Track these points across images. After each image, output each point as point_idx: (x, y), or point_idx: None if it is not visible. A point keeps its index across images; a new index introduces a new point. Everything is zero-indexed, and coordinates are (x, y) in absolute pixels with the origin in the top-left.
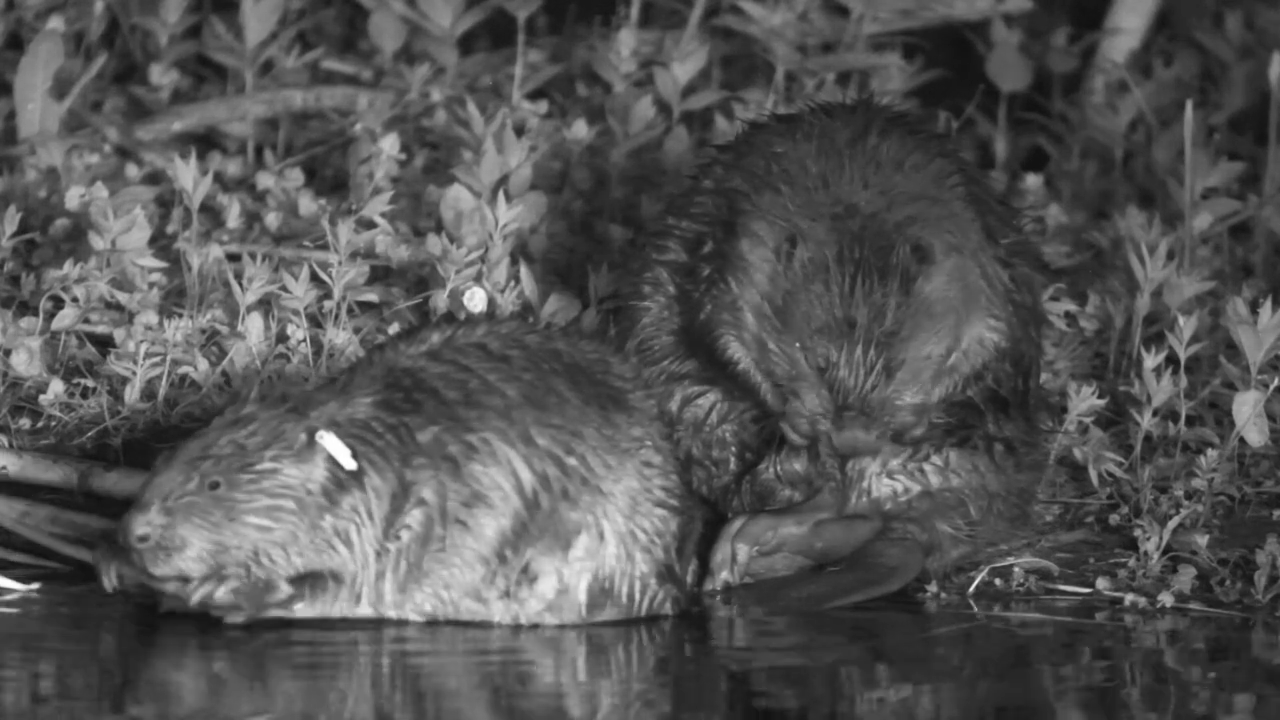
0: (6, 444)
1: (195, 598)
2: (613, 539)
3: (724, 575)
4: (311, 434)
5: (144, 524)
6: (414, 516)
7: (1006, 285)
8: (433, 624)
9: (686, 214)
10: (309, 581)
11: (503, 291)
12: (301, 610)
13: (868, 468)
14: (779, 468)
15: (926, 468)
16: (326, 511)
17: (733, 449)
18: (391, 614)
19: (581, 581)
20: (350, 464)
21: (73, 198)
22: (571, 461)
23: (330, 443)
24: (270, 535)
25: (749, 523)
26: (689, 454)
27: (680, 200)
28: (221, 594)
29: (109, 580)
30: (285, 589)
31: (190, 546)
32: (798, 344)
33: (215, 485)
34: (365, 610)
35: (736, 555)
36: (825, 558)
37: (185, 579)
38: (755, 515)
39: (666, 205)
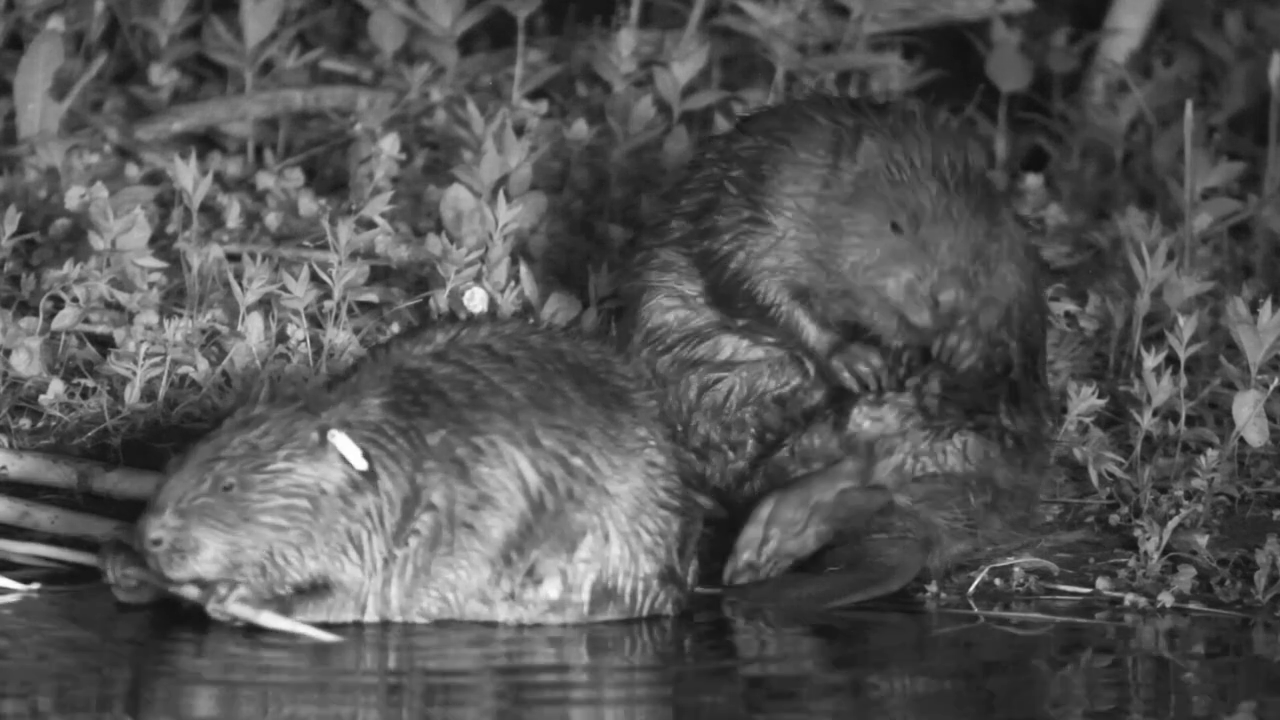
0: (6, 444)
1: (211, 607)
2: (617, 540)
3: (746, 556)
4: (323, 433)
5: (158, 527)
6: (423, 521)
7: (1025, 241)
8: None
9: (684, 193)
10: (314, 590)
11: (503, 291)
12: (307, 616)
13: (896, 445)
14: (797, 445)
15: (948, 448)
16: (341, 514)
17: (753, 430)
18: (397, 618)
19: (585, 582)
20: (361, 464)
21: (73, 198)
22: (577, 462)
23: (341, 443)
24: (285, 535)
25: (780, 506)
26: (706, 439)
27: (674, 190)
28: (234, 603)
29: (114, 576)
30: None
31: (205, 549)
32: (863, 249)
33: (229, 487)
34: (370, 617)
35: (769, 539)
36: (847, 525)
37: (201, 582)
38: (784, 495)
39: (661, 197)
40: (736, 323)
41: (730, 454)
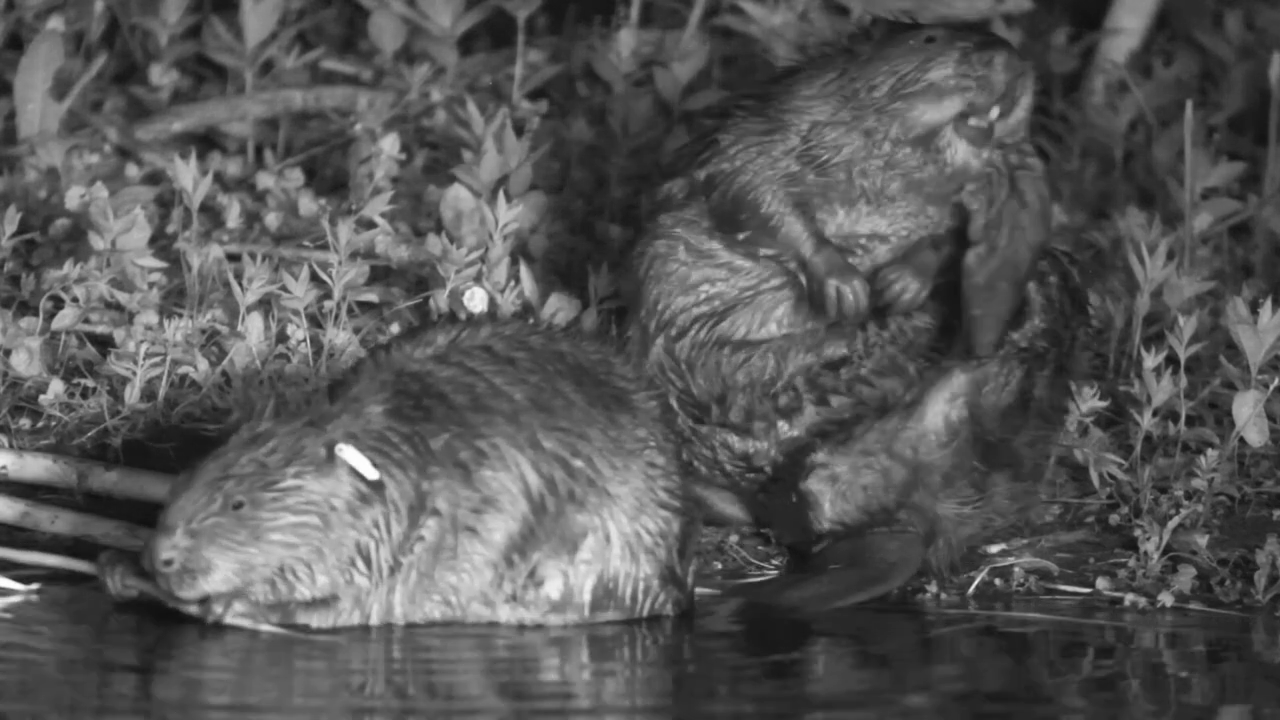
0: (6, 444)
1: (210, 620)
2: (618, 540)
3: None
4: (331, 448)
5: (169, 548)
6: (428, 527)
7: None
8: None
9: (679, 158)
10: (322, 602)
11: (503, 291)
12: (309, 624)
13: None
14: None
15: (1017, 373)
16: (350, 527)
17: (809, 397)
18: (400, 622)
19: (586, 583)
20: (372, 474)
21: (73, 198)
22: (578, 464)
23: (350, 455)
24: (296, 552)
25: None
26: (749, 411)
27: (670, 163)
28: (232, 618)
29: (114, 587)
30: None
31: (216, 569)
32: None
33: (239, 505)
34: (373, 622)
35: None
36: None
37: (210, 599)
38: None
39: (658, 174)
40: (738, 237)
41: (783, 424)
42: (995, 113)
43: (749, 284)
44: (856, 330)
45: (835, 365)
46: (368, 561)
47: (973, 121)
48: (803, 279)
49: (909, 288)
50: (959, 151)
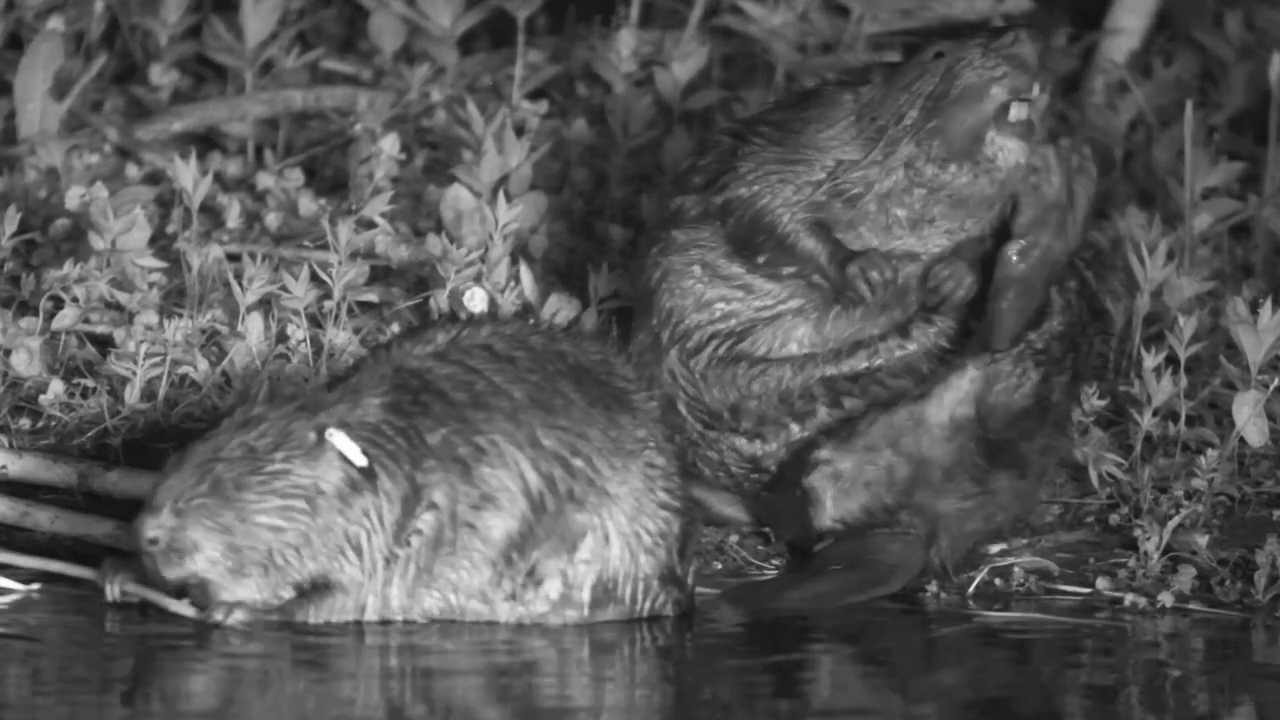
0: (6, 444)
1: (210, 623)
2: (617, 540)
3: None
4: (321, 432)
5: (155, 526)
6: (425, 520)
7: None
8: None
9: (696, 171)
10: (315, 592)
11: (503, 291)
12: (307, 619)
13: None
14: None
15: (1032, 375)
16: (339, 514)
17: (823, 400)
18: (398, 618)
19: (586, 582)
20: (361, 460)
21: (73, 198)
22: (577, 463)
23: (340, 441)
24: (283, 536)
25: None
26: (761, 417)
27: (683, 175)
28: (233, 621)
29: (112, 592)
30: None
31: (202, 550)
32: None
33: (227, 487)
34: (370, 617)
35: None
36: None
37: (198, 580)
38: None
39: (669, 185)
40: (758, 260)
41: (794, 426)
42: (1036, 90)
43: (766, 304)
44: (878, 343)
45: (855, 378)
46: (358, 551)
47: (1013, 115)
48: (827, 284)
49: (962, 283)
50: (1010, 151)
